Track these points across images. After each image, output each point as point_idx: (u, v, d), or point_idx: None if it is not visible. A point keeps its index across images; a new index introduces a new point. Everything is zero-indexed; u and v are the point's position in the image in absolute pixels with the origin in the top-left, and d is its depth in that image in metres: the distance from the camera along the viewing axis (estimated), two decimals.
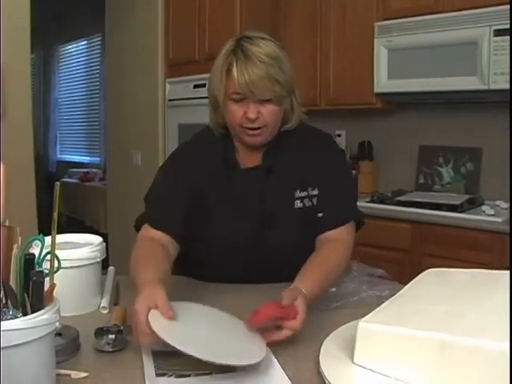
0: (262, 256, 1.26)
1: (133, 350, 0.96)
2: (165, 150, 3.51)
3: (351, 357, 0.88)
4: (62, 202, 5.42)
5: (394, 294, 1.20)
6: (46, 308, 0.75)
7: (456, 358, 0.78)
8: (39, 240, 0.89)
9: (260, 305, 0.97)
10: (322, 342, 0.96)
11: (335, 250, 1.21)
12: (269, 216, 1.27)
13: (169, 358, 0.93)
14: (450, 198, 2.56)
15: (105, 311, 1.15)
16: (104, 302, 1.17)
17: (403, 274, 1.38)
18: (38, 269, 0.78)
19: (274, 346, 0.98)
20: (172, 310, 0.91)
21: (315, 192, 1.27)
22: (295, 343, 1.01)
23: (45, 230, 1.47)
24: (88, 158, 6.04)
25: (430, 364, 0.81)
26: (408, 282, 1.45)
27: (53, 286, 0.80)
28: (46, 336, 0.75)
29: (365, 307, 1.15)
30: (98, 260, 1.16)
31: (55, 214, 0.84)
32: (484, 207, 2.40)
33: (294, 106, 1.27)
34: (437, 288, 1.01)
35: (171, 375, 0.88)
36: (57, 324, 0.77)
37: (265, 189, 1.28)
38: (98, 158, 5.78)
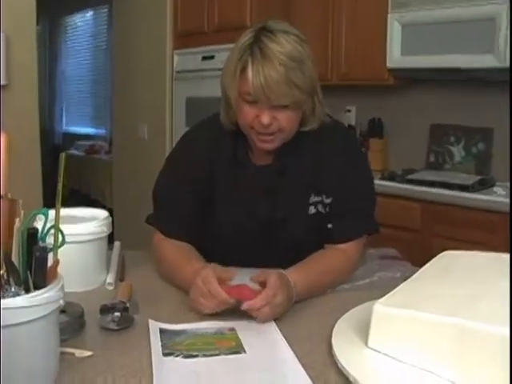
0: (268, 256, 1.20)
1: (139, 329, 0.93)
2: (172, 124, 3.45)
3: (365, 340, 0.85)
4: (66, 175, 5.38)
5: (407, 276, 1.16)
6: (50, 285, 0.72)
7: (474, 345, 0.75)
8: (43, 214, 0.85)
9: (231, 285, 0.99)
10: (334, 324, 0.93)
11: (337, 258, 1.15)
12: (279, 221, 1.18)
13: (176, 337, 0.90)
14: (461, 177, 2.51)
15: (110, 287, 1.12)
16: (110, 278, 1.14)
17: (413, 254, 1.33)
18: (41, 244, 0.75)
19: (284, 328, 0.95)
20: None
21: (328, 201, 1.16)
22: (306, 324, 0.98)
23: (49, 203, 1.44)
24: (94, 130, 5.98)
25: (447, 350, 0.77)
26: (419, 263, 1.41)
27: (56, 261, 0.76)
28: (49, 314, 0.71)
29: (377, 289, 1.11)
30: (104, 235, 1.13)
31: (60, 186, 0.80)
32: (495, 188, 2.35)
33: (315, 107, 1.13)
34: (453, 271, 0.97)
35: (178, 355, 0.85)
36: (61, 302, 0.74)
37: (276, 190, 1.18)
38: (104, 130, 5.73)
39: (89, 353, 0.83)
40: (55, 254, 0.79)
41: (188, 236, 1.20)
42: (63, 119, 6.53)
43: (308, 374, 0.80)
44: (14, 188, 0.74)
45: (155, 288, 1.14)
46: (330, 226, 1.17)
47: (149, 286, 1.15)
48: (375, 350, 0.83)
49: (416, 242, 2.35)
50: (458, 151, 2.77)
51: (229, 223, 1.21)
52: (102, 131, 5.80)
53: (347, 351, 0.83)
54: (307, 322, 0.99)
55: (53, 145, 6.05)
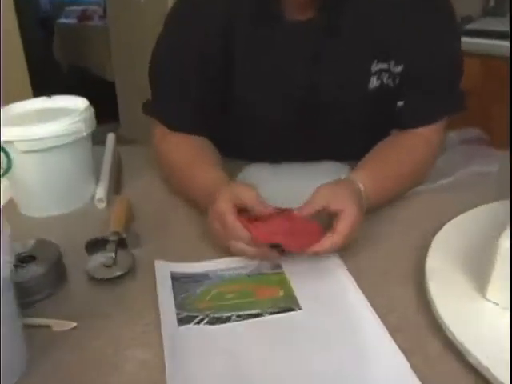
0: (308, 152, 0.91)
1: (141, 275, 0.67)
2: None
3: (478, 286, 0.58)
4: (60, 49, 4.94)
5: (504, 170, 0.88)
6: None
7: None
8: None
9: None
10: (422, 254, 0.66)
11: (414, 147, 0.85)
12: (326, 100, 0.87)
13: (196, 287, 0.64)
14: None
15: (101, 205, 0.85)
16: (99, 192, 0.85)
17: (470, 120, 1.01)
18: None
19: (349, 260, 0.68)
20: (267, 205, 0.68)
21: (399, 69, 0.84)
22: (380, 254, 0.70)
23: (42, 90, 1.10)
24: None
25: None
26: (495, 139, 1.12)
27: None
28: None
29: (466, 191, 0.83)
30: (85, 134, 0.82)
31: None
32: None
33: None
34: None
35: (201, 320, 0.59)
36: (8, 272, 0.47)
37: (322, 57, 0.86)
38: None
39: (71, 324, 0.58)
40: None
41: (200, 127, 0.90)
42: None
43: (398, 345, 0.54)
44: None
45: (163, 204, 0.86)
46: (400, 104, 0.86)
47: (154, 201, 0.87)
48: (500, 306, 0.56)
49: (474, 105, 2.00)
50: None
51: (253, 105, 0.90)
52: None
53: (455, 308, 0.57)
54: (380, 249, 0.71)
55: (40, 15, 5.52)
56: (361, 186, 0.73)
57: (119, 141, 1.09)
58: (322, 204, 0.67)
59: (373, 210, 0.75)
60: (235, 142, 0.93)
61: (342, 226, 0.65)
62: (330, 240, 0.65)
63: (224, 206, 0.67)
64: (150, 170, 0.96)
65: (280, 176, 0.87)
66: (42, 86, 2.37)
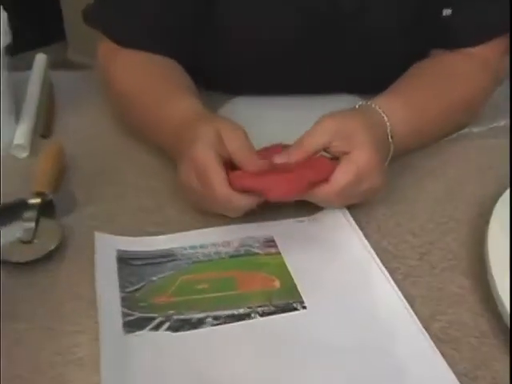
0: (315, 81, 0.78)
1: (75, 257, 0.53)
2: None
3: None
4: None
5: None
6: None
7: None
8: None
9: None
10: (475, 227, 0.56)
11: (466, 71, 0.74)
12: (346, 14, 0.74)
13: (152, 274, 0.51)
14: None
15: (21, 153, 0.70)
16: (19, 136, 0.71)
17: None
18: None
19: (371, 229, 0.56)
20: (256, 153, 0.55)
21: None
22: (416, 224, 0.59)
23: None
24: None
25: None
26: None
27: None
28: None
29: None
30: None
31: None
32: None
33: None
34: None
35: (161, 324, 0.45)
36: None
37: None
38: None
39: None
40: None
41: (163, 44, 0.75)
42: None
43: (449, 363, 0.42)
44: None
45: (110, 152, 0.71)
46: (447, 12, 0.73)
47: (97, 148, 0.72)
48: None
49: None
50: None
51: (248, 22, 0.75)
52: None
53: None
54: (415, 216, 0.59)
55: None
56: (384, 116, 0.60)
57: (66, 65, 0.93)
58: (322, 142, 0.55)
59: (401, 153, 0.63)
60: (216, 73, 0.79)
61: (340, 174, 0.53)
62: (323, 190, 0.53)
63: (205, 156, 0.53)
64: (94, 105, 0.81)
65: (276, 110, 0.75)
66: None
